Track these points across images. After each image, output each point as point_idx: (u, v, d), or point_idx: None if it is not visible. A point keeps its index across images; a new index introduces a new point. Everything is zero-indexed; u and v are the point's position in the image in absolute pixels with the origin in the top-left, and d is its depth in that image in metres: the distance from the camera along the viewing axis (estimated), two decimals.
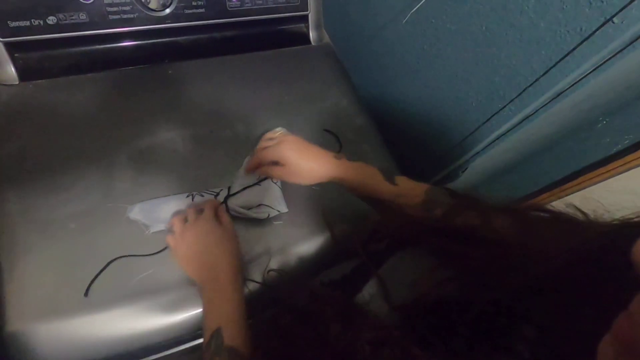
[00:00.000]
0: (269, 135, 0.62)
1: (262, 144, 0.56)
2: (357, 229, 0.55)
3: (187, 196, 0.57)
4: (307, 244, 0.59)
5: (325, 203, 0.61)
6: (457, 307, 0.27)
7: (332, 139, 0.70)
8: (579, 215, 0.32)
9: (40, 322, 0.47)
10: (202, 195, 0.58)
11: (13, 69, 0.59)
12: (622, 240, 0.23)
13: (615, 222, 0.29)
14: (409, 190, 0.49)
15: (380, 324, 0.29)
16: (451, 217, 0.42)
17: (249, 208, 0.57)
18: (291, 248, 0.58)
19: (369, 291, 0.37)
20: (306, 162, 0.50)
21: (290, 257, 0.58)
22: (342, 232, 0.57)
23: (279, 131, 0.65)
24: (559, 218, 0.33)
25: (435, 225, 0.38)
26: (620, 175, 0.73)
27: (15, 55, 0.59)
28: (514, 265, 0.27)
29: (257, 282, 0.53)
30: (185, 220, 0.52)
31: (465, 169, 0.71)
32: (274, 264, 0.56)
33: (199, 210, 0.53)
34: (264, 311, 0.47)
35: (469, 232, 0.33)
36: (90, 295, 0.49)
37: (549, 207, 0.35)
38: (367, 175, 0.50)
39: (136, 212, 0.54)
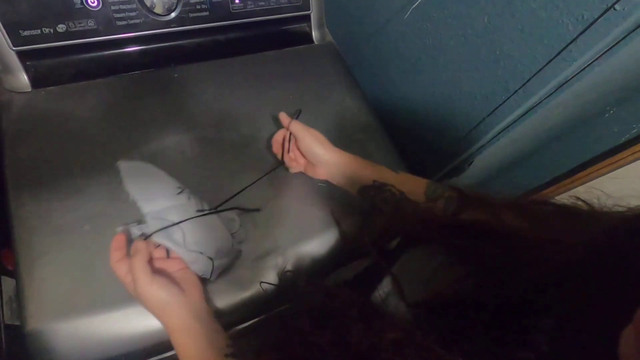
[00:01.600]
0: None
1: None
2: (366, 227, 0.56)
3: (179, 193, 0.54)
4: (317, 243, 0.59)
5: (333, 200, 0.62)
6: (473, 303, 0.27)
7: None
8: (583, 206, 0.32)
9: (58, 321, 0.48)
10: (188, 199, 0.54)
11: (25, 77, 0.61)
12: (625, 230, 0.23)
13: (626, 212, 0.29)
14: (411, 180, 0.51)
15: (400, 324, 0.29)
16: (460, 213, 0.43)
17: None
18: (301, 247, 0.58)
19: (383, 290, 0.37)
20: (319, 145, 0.57)
21: (301, 256, 0.58)
22: (352, 230, 0.58)
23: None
24: (568, 210, 0.33)
25: (447, 222, 0.38)
26: (629, 165, 0.73)
27: (27, 63, 0.61)
28: (529, 259, 0.27)
29: (271, 284, 0.53)
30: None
31: (472, 163, 0.71)
32: (284, 263, 0.56)
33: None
34: (277, 310, 0.48)
35: (480, 228, 0.33)
36: (106, 293, 0.50)
37: (553, 200, 0.35)
38: (371, 163, 0.55)
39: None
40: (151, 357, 0.54)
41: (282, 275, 0.54)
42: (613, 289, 0.22)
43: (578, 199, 0.34)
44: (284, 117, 0.60)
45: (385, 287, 0.38)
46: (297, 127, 0.58)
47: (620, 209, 0.29)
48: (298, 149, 0.60)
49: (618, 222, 0.26)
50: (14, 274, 0.52)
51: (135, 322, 0.50)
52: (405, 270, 0.37)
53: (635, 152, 0.69)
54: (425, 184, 0.49)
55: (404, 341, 0.26)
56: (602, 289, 0.22)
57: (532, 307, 0.25)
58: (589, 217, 0.31)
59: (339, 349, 0.27)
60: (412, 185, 0.50)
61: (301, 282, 0.46)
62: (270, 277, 0.55)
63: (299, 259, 0.58)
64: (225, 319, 0.52)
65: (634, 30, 0.41)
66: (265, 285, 0.53)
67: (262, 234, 0.58)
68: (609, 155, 0.71)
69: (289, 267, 0.56)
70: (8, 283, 0.54)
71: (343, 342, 0.27)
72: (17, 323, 0.51)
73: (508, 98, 0.55)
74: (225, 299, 0.53)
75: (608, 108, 0.64)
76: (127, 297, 0.50)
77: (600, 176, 0.74)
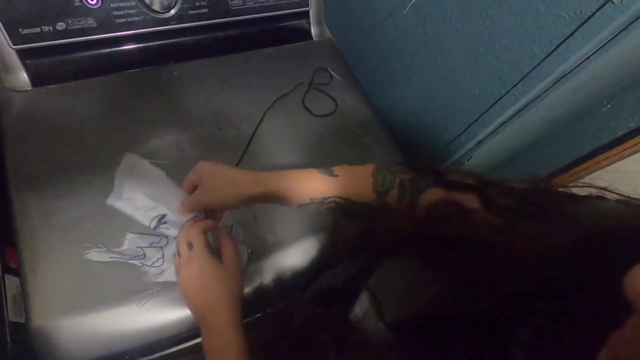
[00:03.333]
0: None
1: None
2: (339, 237, 0.51)
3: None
4: (294, 253, 0.59)
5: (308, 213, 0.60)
6: (450, 319, 0.27)
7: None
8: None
9: (62, 317, 0.48)
10: None
11: (25, 75, 0.61)
12: (607, 244, 0.23)
13: (595, 200, 0.28)
14: (353, 180, 0.44)
15: (376, 346, 0.29)
16: (416, 197, 0.41)
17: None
18: (278, 258, 0.58)
19: (361, 306, 0.37)
20: (225, 172, 0.44)
21: (279, 267, 0.57)
22: (327, 241, 0.57)
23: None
24: (538, 200, 0.32)
25: (418, 232, 0.37)
26: (625, 160, 0.73)
27: (27, 61, 0.61)
28: (504, 272, 0.26)
29: (251, 318, 0.51)
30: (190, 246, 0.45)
31: (471, 157, 0.71)
32: (261, 274, 0.56)
33: (189, 244, 0.45)
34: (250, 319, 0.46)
35: (451, 237, 0.32)
36: (109, 290, 0.50)
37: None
38: (300, 178, 0.44)
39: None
40: (155, 353, 0.55)
41: (259, 289, 0.52)
42: (585, 300, 0.22)
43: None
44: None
45: (363, 303, 0.37)
46: (197, 197, 0.46)
47: (604, 195, 0.29)
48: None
49: (593, 233, 0.25)
50: (17, 272, 0.53)
51: (139, 318, 0.50)
52: (381, 283, 0.37)
53: (632, 146, 0.70)
54: (372, 178, 0.43)
55: (380, 355, 0.26)
56: (574, 300, 0.22)
57: (509, 319, 0.24)
58: (560, 207, 0.30)
59: None
60: (356, 187, 0.44)
61: (275, 298, 0.44)
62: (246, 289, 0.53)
63: (277, 270, 0.57)
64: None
65: (631, 24, 0.41)
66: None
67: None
68: (606, 149, 0.71)
69: (265, 280, 0.55)
70: (12, 281, 0.54)
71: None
72: (21, 320, 0.51)
73: (507, 93, 0.55)
74: None
75: (605, 102, 0.65)
76: (131, 293, 0.50)
77: (597, 170, 0.75)
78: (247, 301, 0.52)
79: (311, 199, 0.43)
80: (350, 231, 0.46)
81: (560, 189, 0.33)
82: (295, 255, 0.59)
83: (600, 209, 0.29)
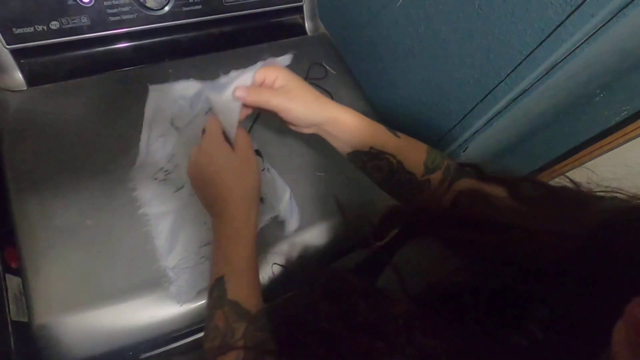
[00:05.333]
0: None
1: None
2: (367, 218, 0.54)
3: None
4: (320, 232, 0.60)
5: (335, 190, 0.63)
6: (469, 293, 0.27)
7: None
8: (573, 188, 0.33)
9: (65, 315, 0.49)
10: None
11: (20, 75, 0.61)
12: (620, 225, 0.24)
13: (620, 203, 0.29)
14: (411, 148, 0.46)
15: (403, 304, 0.30)
16: (455, 181, 0.43)
17: None
18: (305, 235, 0.59)
19: (384, 280, 0.39)
20: (310, 93, 0.45)
21: (306, 245, 0.59)
22: (354, 220, 0.58)
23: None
24: (560, 194, 0.34)
25: (445, 214, 0.38)
26: (619, 148, 0.74)
27: (22, 61, 0.61)
28: (525, 251, 0.27)
29: (284, 266, 0.53)
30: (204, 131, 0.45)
31: (466, 149, 0.72)
32: (285, 253, 0.57)
33: (203, 130, 0.45)
34: (285, 296, 0.48)
35: (477, 219, 0.33)
36: (111, 286, 0.51)
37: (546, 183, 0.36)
38: (370, 122, 0.46)
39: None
40: (157, 348, 0.55)
41: (293, 260, 0.54)
42: (606, 282, 0.22)
43: (571, 181, 0.35)
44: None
45: (385, 278, 0.39)
46: (276, 101, 0.44)
47: (617, 195, 0.30)
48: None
49: (614, 214, 0.26)
50: (18, 271, 0.53)
51: (141, 314, 0.51)
52: (404, 261, 0.38)
53: (625, 134, 0.71)
54: (426, 153, 0.45)
55: (407, 317, 0.27)
56: (596, 281, 0.23)
57: (528, 296, 0.25)
58: (581, 202, 0.32)
59: (348, 322, 0.28)
60: (412, 154, 0.46)
61: (310, 266, 0.46)
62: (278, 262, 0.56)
63: (304, 248, 0.59)
64: None
65: (621, 11, 0.42)
66: (275, 268, 0.52)
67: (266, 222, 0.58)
68: (600, 138, 0.72)
69: (284, 256, 0.56)
70: (13, 280, 0.54)
71: (352, 316, 0.28)
72: (23, 319, 0.51)
73: (500, 82, 0.56)
74: None
75: (598, 91, 0.65)
76: (132, 288, 0.51)
77: (592, 159, 0.76)
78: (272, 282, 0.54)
79: (370, 148, 0.44)
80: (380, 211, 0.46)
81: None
82: (317, 237, 0.60)
83: (617, 204, 0.30)
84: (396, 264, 0.36)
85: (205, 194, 0.44)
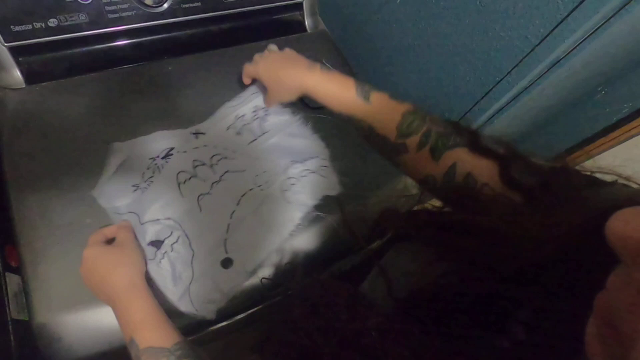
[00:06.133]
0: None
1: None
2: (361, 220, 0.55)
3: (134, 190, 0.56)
4: (311, 239, 0.60)
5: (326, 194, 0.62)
6: (453, 296, 0.28)
7: None
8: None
9: (65, 313, 0.49)
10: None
11: (19, 73, 0.61)
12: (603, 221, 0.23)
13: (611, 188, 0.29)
14: (383, 112, 0.46)
15: (383, 313, 0.30)
16: (440, 152, 0.41)
17: None
18: (296, 243, 0.59)
19: (371, 281, 0.39)
20: (277, 75, 0.54)
21: (296, 252, 0.58)
22: (345, 225, 0.58)
23: (272, 49, 0.65)
24: (557, 183, 0.32)
25: (434, 219, 0.38)
26: (621, 144, 0.74)
27: (20, 59, 0.61)
28: (507, 254, 0.27)
29: (269, 279, 0.53)
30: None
31: None
32: (281, 258, 0.57)
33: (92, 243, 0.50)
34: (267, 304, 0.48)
35: (465, 224, 0.33)
36: None
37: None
38: (339, 86, 0.49)
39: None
40: None
41: (282, 269, 0.54)
42: (582, 281, 0.22)
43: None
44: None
45: (372, 281, 0.39)
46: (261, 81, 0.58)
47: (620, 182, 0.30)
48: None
49: (603, 210, 0.26)
50: (18, 270, 0.53)
51: None
52: (392, 263, 0.38)
53: (627, 131, 0.70)
54: (401, 116, 0.44)
55: (385, 326, 0.28)
56: (574, 281, 0.23)
57: (510, 299, 0.25)
58: (576, 190, 0.31)
59: (326, 334, 0.28)
60: (384, 117, 0.46)
61: (298, 274, 0.46)
62: (267, 273, 0.55)
63: (295, 255, 0.58)
64: (226, 309, 0.53)
65: (623, 7, 0.41)
66: (264, 281, 0.53)
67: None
68: (601, 135, 0.72)
69: (286, 261, 0.56)
70: (13, 279, 0.54)
71: (330, 328, 0.29)
72: (24, 318, 0.51)
73: (501, 80, 0.55)
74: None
75: (599, 89, 0.65)
76: None
77: (594, 156, 0.76)
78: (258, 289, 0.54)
79: (339, 113, 0.50)
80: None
81: (584, 172, 0.33)
82: (305, 244, 0.59)
83: (617, 194, 0.29)
84: (384, 266, 0.37)
85: (97, 291, 0.48)
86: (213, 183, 0.57)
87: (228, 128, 0.62)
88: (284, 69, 0.53)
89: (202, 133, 0.61)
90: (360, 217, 0.56)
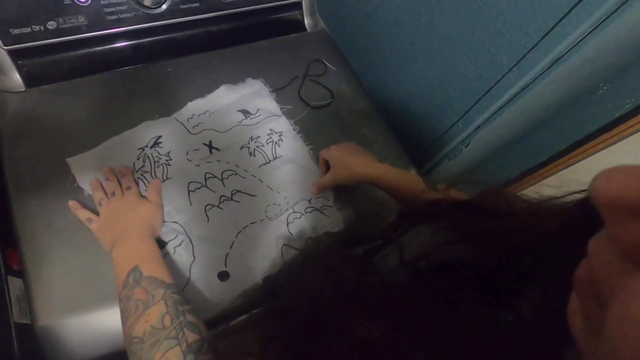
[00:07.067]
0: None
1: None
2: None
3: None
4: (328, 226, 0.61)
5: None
6: (463, 267, 0.28)
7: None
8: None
9: (67, 316, 0.49)
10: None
11: (18, 76, 0.60)
12: None
13: None
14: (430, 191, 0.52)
15: (390, 275, 0.32)
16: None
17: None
18: (308, 231, 0.60)
19: (383, 256, 0.40)
20: (348, 159, 0.58)
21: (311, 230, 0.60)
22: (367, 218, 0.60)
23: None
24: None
25: (454, 202, 0.39)
26: (623, 140, 0.73)
27: (19, 62, 0.60)
28: (519, 227, 0.28)
29: (294, 247, 0.56)
30: (113, 194, 0.54)
31: (469, 144, 0.71)
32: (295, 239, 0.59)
33: (127, 188, 0.54)
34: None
35: (485, 206, 0.34)
36: (113, 287, 0.50)
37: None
38: (409, 178, 0.56)
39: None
40: None
41: (305, 242, 0.57)
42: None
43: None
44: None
45: (386, 254, 0.40)
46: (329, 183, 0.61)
47: None
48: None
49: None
50: (20, 273, 0.53)
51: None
52: (410, 241, 0.39)
53: (629, 127, 0.70)
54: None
55: (390, 285, 0.29)
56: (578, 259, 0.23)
57: (517, 275, 0.26)
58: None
59: (335, 292, 0.29)
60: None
61: (321, 246, 0.48)
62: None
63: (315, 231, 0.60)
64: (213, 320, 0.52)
65: (625, 2, 0.41)
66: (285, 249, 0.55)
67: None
68: (604, 131, 0.71)
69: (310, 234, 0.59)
70: (15, 283, 0.54)
71: (340, 286, 0.30)
72: (26, 321, 0.51)
73: (503, 77, 0.55)
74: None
75: (602, 85, 0.65)
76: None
77: (596, 152, 0.75)
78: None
79: (407, 197, 0.55)
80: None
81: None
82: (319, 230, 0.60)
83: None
84: (400, 242, 0.38)
85: (110, 229, 0.51)
86: (222, 197, 0.58)
87: (242, 148, 0.63)
88: (356, 157, 0.59)
89: (217, 149, 0.62)
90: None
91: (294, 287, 0.34)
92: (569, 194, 0.30)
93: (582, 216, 0.25)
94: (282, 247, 0.57)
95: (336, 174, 0.59)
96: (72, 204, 0.53)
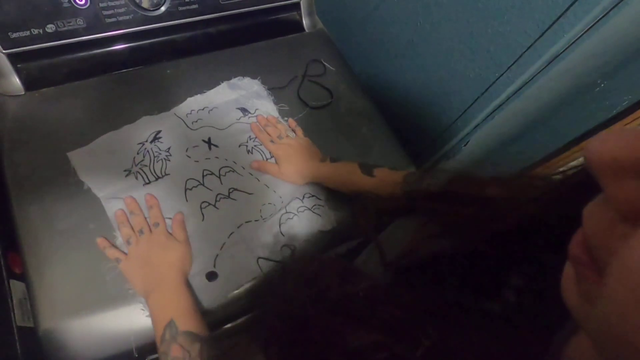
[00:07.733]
0: (282, 131, 0.66)
1: (272, 137, 0.65)
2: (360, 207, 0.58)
3: (126, 175, 0.58)
4: (311, 225, 0.61)
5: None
6: (445, 262, 0.28)
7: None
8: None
9: (70, 319, 0.49)
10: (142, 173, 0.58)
11: (18, 80, 0.60)
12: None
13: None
14: (386, 180, 0.53)
15: (372, 279, 0.31)
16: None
17: None
18: (300, 231, 0.60)
19: (364, 256, 0.40)
20: (293, 165, 0.61)
21: (299, 235, 0.60)
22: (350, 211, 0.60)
23: (290, 135, 0.67)
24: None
25: (431, 193, 0.39)
26: None
27: (19, 65, 0.60)
28: (495, 213, 0.28)
29: (271, 259, 0.55)
30: (140, 232, 0.53)
31: (467, 142, 0.71)
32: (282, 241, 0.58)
33: (155, 224, 0.54)
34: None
35: (462, 196, 0.34)
36: (115, 289, 0.51)
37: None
38: (347, 172, 0.57)
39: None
40: None
41: (281, 250, 0.57)
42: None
43: None
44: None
45: (367, 254, 0.40)
46: (269, 168, 0.62)
47: None
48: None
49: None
50: (22, 277, 0.53)
51: (145, 316, 0.51)
52: (389, 238, 0.39)
53: (627, 124, 0.70)
54: (403, 180, 0.50)
55: (375, 290, 0.28)
56: (563, 242, 0.23)
57: (501, 261, 0.26)
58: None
59: (317, 303, 0.29)
60: (387, 188, 0.52)
61: (296, 254, 0.48)
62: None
63: (292, 238, 0.60)
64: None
65: (621, 0, 0.41)
66: (262, 263, 0.55)
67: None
68: (602, 128, 0.72)
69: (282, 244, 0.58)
70: (17, 286, 0.54)
71: (322, 297, 0.29)
72: (29, 325, 0.51)
73: (501, 75, 0.55)
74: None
75: (599, 82, 0.65)
76: (136, 291, 0.51)
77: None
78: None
79: (352, 192, 0.57)
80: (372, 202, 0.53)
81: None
82: (303, 229, 0.61)
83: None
84: (379, 239, 0.38)
85: (143, 275, 0.51)
86: (218, 195, 0.58)
87: (240, 145, 0.64)
88: (303, 159, 0.61)
89: (215, 145, 0.62)
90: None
91: (276, 307, 0.33)
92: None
93: (558, 195, 0.25)
94: (257, 260, 0.57)
95: (278, 172, 0.61)
96: (100, 241, 0.52)
